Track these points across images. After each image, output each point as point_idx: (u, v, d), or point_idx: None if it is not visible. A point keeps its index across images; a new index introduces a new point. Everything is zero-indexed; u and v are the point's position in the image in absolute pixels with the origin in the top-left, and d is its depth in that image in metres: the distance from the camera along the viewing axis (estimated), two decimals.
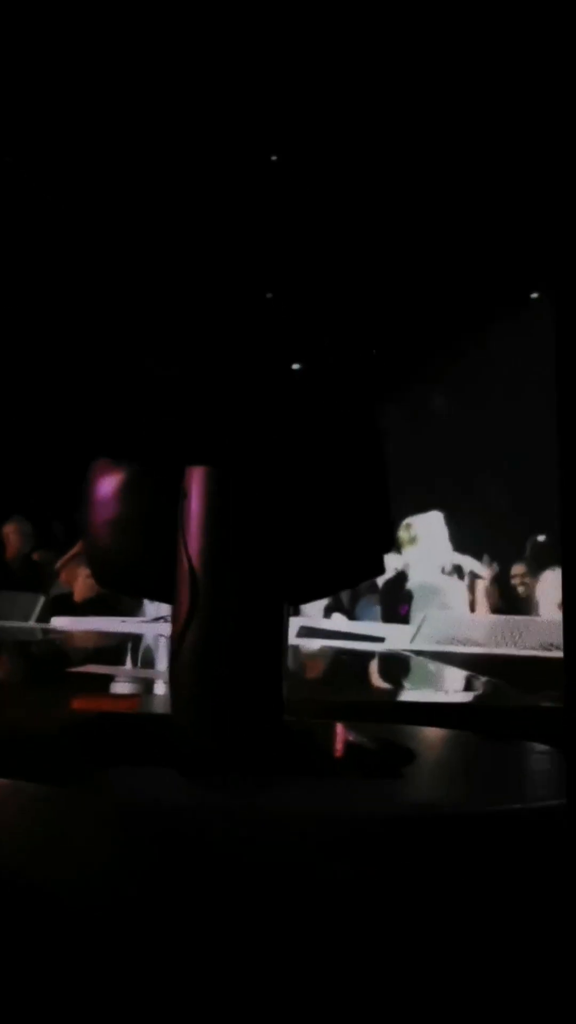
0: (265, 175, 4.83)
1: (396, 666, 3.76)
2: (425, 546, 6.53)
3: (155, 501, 1.56)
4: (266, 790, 1.35)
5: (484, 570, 6.54)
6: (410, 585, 6.57)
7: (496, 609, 6.28)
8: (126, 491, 1.58)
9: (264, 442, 1.55)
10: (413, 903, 1.23)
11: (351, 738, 1.49)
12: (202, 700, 1.47)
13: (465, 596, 6.40)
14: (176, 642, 1.47)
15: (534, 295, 6.16)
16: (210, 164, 4.61)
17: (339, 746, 1.48)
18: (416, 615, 6.37)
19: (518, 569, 6.34)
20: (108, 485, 1.59)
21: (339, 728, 1.50)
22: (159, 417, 1.67)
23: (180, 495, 1.49)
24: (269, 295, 5.20)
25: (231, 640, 1.46)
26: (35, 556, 6.01)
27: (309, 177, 4.81)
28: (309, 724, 1.55)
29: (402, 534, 6.51)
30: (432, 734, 1.86)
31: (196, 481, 1.49)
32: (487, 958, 1.25)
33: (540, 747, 1.72)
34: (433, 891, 1.23)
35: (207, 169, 4.61)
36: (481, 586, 6.43)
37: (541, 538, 6.59)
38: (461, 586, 6.43)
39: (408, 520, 6.56)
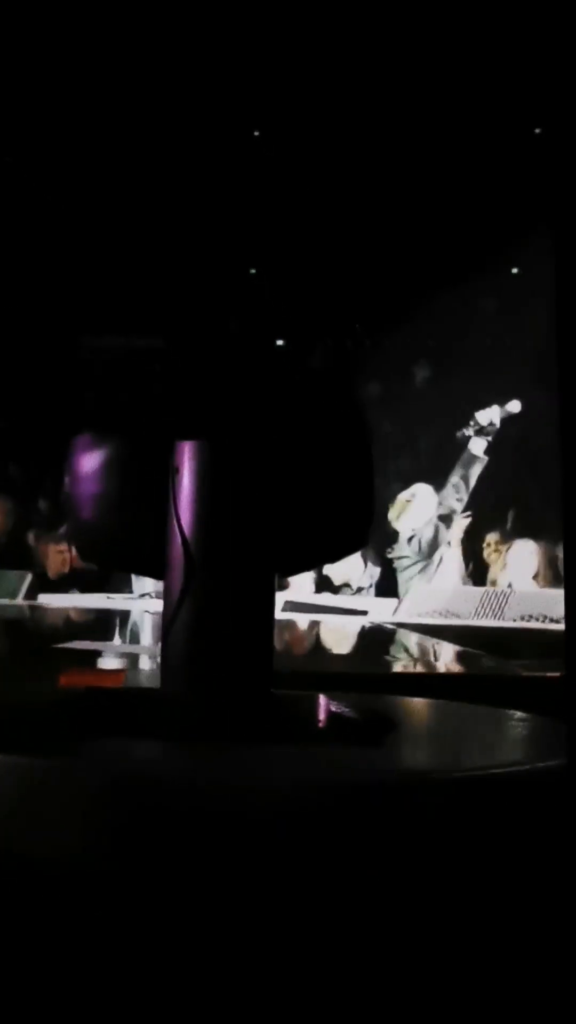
0: (251, 152, 4.83)
1: (380, 639, 3.80)
2: (412, 518, 6.56)
3: (140, 476, 1.57)
4: (255, 758, 1.38)
5: (456, 538, 6.56)
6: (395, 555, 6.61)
7: (465, 577, 6.31)
8: (110, 466, 1.59)
9: (253, 416, 1.57)
10: (404, 867, 1.26)
11: (335, 708, 1.52)
12: (196, 671, 1.50)
13: (444, 565, 6.43)
14: (170, 614, 1.49)
15: (515, 270, 6.17)
16: (193, 140, 4.61)
17: (324, 716, 1.51)
18: (400, 587, 6.41)
19: (492, 538, 6.36)
20: (91, 460, 1.60)
21: (323, 699, 1.54)
22: (147, 391, 1.68)
23: (171, 470, 1.51)
24: (253, 270, 5.20)
25: (225, 612, 1.49)
26: (30, 537, 6.00)
27: (292, 154, 4.80)
28: (296, 695, 1.58)
29: (394, 507, 6.54)
30: (413, 704, 1.89)
31: (187, 456, 1.51)
32: (477, 924, 1.29)
33: (519, 714, 1.75)
34: (422, 854, 1.26)
35: (192, 144, 4.60)
36: (453, 554, 6.46)
37: (514, 510, 6.62)
38: (439, 556, 6.46)
39: (404, 494, 6.59)
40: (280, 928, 1.24)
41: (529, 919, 1.32)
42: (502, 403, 6.42)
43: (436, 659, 3.12)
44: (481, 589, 5.39)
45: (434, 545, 6.49)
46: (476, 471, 6.49)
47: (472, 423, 6.40)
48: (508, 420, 6.47)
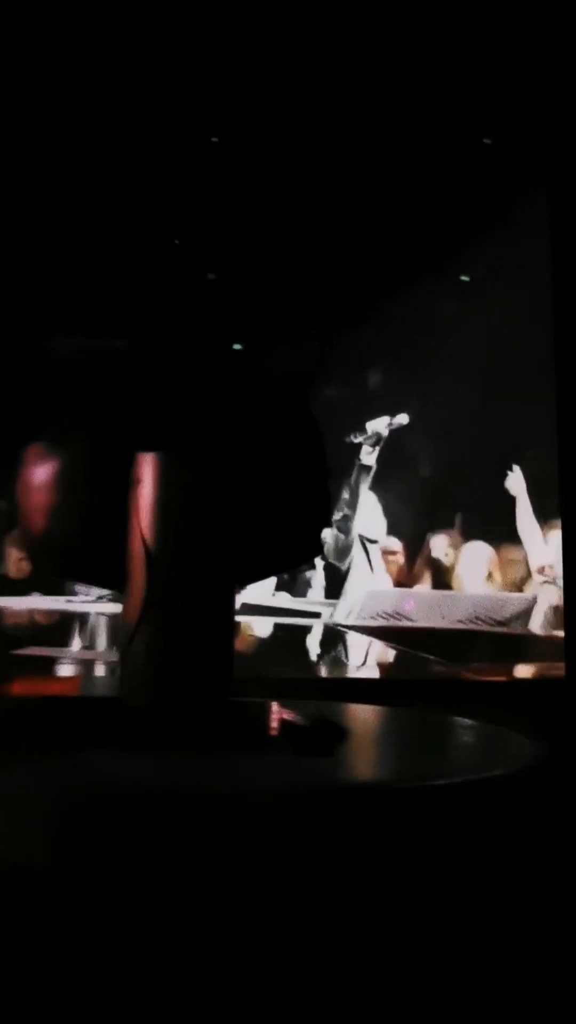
0: (207, 154, 4.83)
1: (332, 642, 3.82)
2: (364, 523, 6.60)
3: (93, 487, 1.58)
4: (216, 766, 1.40)
5: (397, 543, 6.59)
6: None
7: (401, 582, 6.34)
8: (63, 478, 1.59)
9: (213, 428, 1.58)
10: (351, 874, 1.28)
11: (288, 716, 1.55)
12: (159, 679, 1.51)
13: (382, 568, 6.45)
14: (134, 623, 1.50)
15: (464, 278, 6.23)
16: (149, 140, 4.60)
17: (276, 724, 1.54)
18: (350, 591, 6.43)
19: (441, 540, 6.39)
20: (43, 471, 1.60)
21: (276, 706, 1.57)
22: (105, 401, 1.68)
23: (131, 482, 1.52)
24: (211, 276, 5.20)
25: (187, 621, 1.50)
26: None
27: (250, 154, 4.82)
28: (253, 703, 1.60)
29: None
30: (364, 711, 1.92)
31: (148, 468, 1.52)
32: (428, 932, 1.31)
33: (467, 721, 1.79)
34: (370, 862, 1.28)
35: (147, 145, 4.60)
36: (394, 558, 6.48)
37: (464, 512, 6.67)
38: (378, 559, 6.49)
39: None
40: (235, 931, 1.26)
41: (490, 923, 1.35)
42: (393, 413, 6.50)
43: (383, 662, 3.15)
44: (434, 592, 5.44)
45: (342, 550, 6.51)
46: (365, 479, 6.55)
47: (361, 432, 6.47)
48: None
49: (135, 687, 1.53)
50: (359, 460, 6.46)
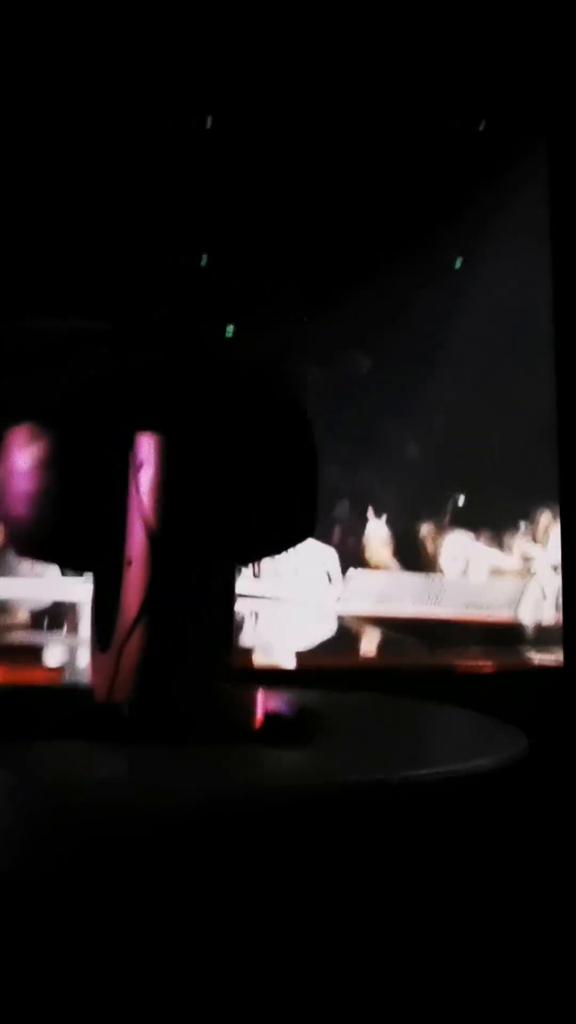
0: (195, 138, 4.78)
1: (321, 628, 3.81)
2: None
3: (83, 471, 1.55)
4: (216, 760, 1.38)
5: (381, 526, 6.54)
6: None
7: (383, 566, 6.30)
8: (49, 462, 1.57)
9: (210, 409, 1.56)
10: (338, 871, 1.26)
11: (280, 706, 1.53)
12: (159, 668, 1.48)
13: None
14: (136, 610, 1.47)
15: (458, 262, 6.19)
16: (140, 125, 4.55)
17: (268, 714, 1.52)
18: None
19: (429, 528, 6.36)
20: (27, 455, 1.57)
21: (266, 694, 1.55)
22: (97, 381, 1.65)
23: (131, 465, 1.49)
24: (204, 261, 5.16)
25: (192, 602, 1.48)
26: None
27: (243, 139, 4.77)
28: (245, 691, 1.59)
29: None
30: (357, 699, 1.90)
31: (152, 450, 1.50)
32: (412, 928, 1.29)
33: (461, 711, 1.77)
34: (363, 857, 1.26)
35: (138, 130, 4.55)
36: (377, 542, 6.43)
37: (460, 497, 6.65)
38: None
39: None
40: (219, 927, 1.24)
41: (484, 914, 1.34)
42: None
43: (374, 648, 3.14)
44: (423, 577, 5.41)
45: None
46: None
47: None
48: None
49: (135, 678, 1.49)
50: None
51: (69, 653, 2.90)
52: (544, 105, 3.88)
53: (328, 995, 1.26)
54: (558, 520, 3.81)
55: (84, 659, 2.60)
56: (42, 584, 4.90)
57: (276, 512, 1.61)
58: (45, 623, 3.70)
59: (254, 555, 1.76)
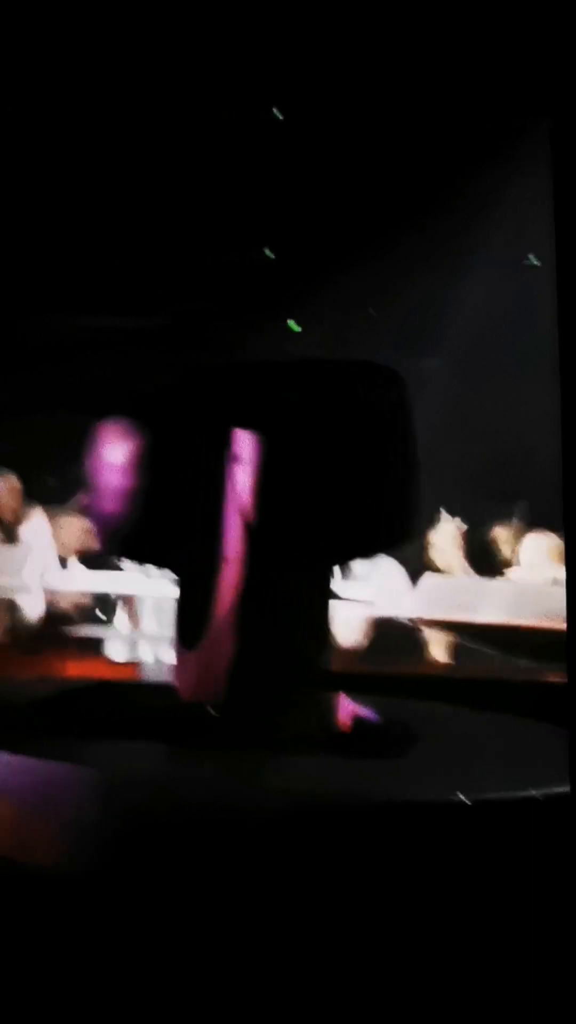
0: (266, 132, 4.73)
1: (393, 633, 3.77)
2: None
3: (178, 469, 1.52)
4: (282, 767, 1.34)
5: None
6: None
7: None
8: (143, 459, 1.53)
9: (310, 409, 1.52)
10: (401, 892, 1.22)
11: (367, 714, 1.49)
12: (251, 670, 1.45)
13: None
14: (230, 610, 1.43)
15: (535, 261, 6.08)
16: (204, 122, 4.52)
17: (350, 722, 1.47)
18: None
19: (502, 531, 6.26)
20: (119, 451, 1.55)
21: (353, 702, 1.50)
22: (193, 379, 1.63)
23: (226, 462, 1.46)
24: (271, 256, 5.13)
25: (290, 604, 1.43)
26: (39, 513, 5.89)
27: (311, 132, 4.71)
28: (332, 695, 1.54)
29: None
30: (431, 709, 1.85)
31: (251, 448, 1.47)
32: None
33: (544, 726, 1.70)
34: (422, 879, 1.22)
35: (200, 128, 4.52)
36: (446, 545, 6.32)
37: (523, 502, 6.54)
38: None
39: None
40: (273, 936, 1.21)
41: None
42: None
43: (451, 658, 3.07)
44: (501, 582, 5.31)
45: None
46: None
47: None
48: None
49: (230, 680, 1.45)
50: None
51: (130, 647, 2.88)
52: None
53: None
54: None
55: (150, 654, 2.57)
56: (103, 576, 4.89)
57: (377, 514, 1.56)
58: (102, 615, 3.69)
59: (352, 556, 1.72)
